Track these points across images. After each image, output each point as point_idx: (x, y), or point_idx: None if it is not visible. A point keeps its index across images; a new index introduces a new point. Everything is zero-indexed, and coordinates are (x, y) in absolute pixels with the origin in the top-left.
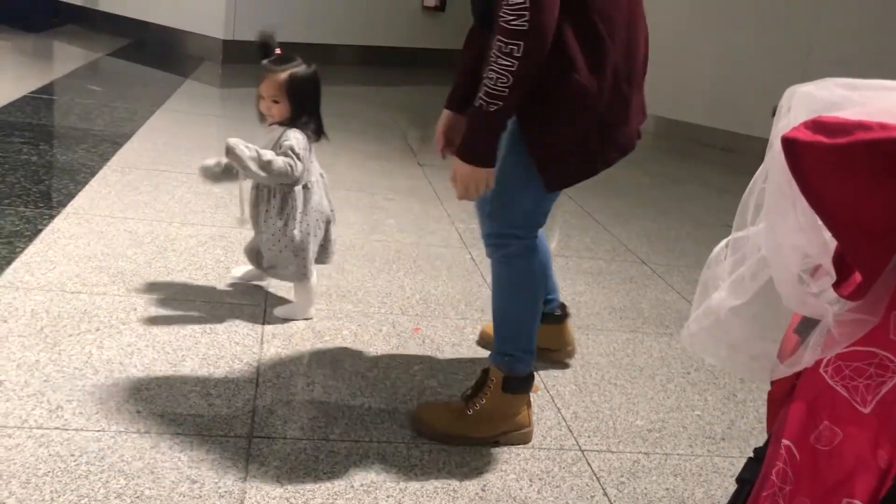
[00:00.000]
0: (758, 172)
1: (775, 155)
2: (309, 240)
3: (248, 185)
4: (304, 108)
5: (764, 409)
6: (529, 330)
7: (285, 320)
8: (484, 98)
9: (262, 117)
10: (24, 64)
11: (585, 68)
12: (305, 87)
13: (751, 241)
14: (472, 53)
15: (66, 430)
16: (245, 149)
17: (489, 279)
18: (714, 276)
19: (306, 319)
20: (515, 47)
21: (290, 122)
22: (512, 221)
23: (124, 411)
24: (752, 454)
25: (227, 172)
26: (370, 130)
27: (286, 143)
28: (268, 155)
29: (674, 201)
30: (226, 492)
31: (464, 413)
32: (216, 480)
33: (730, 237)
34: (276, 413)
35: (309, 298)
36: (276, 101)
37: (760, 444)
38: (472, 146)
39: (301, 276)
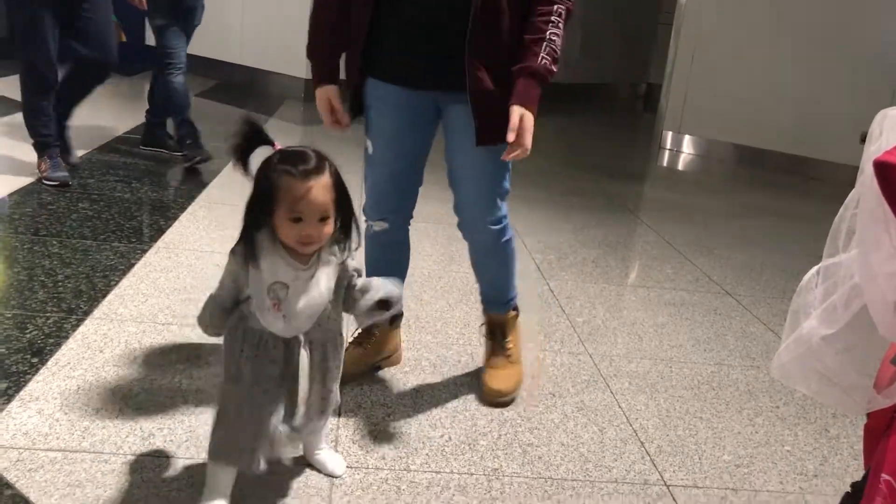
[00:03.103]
0: (849, 198)
1: (867, 180)
2: None
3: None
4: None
5: (859, 446)
6: None
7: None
8: (548, 58)
9: (298, 252)
10: (120, 106)
11: None
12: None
13: (843, 268)
14: (330, 10)
15: (159, 457)
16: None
17: (567, 309)
18: (805, 304)
19: None
20: (567, 10)
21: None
22: (500, 201)
23: None
24: (848, 489)
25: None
26: (436, 160)
27: (353, 266)
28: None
29: (758, 231)
30: None
31: (516, 363)
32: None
33: (821, 264)
34: (357, 443)
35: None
36: (324, 219)
37: (857, 479)
38: (538, 101)
39: None
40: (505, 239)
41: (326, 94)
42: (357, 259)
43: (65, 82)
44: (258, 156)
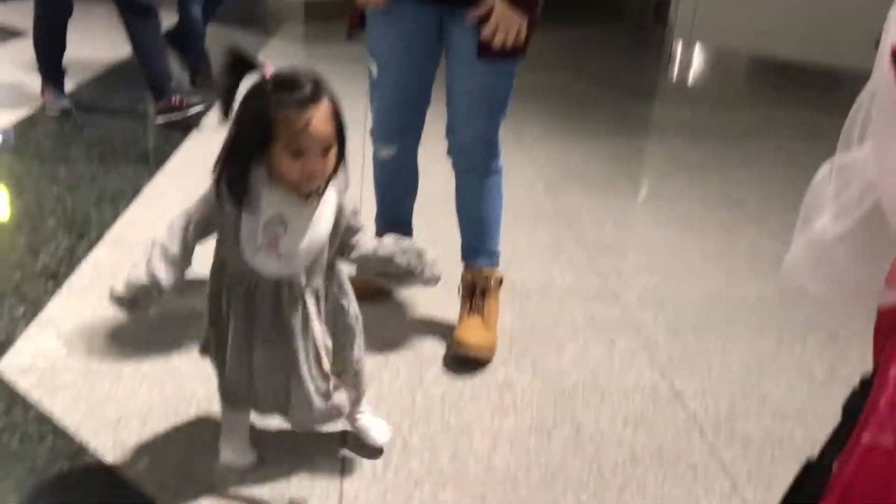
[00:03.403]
0: (863, 92)
1: (883, 72)
2: None
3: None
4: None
5: (868, 351)
6: None
7: None
8: None
9: (299, 189)
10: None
11: None
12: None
13: (857, 164)
14: None
15: (177, 376)
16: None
17: (576, 226)
18: (817, 202)
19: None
20: None
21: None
22: (499, 127)
23: None
24: (856, 387)
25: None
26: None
27: (351, 209)
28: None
29: (769, 144)
30: (328, 432)
31: (491, 331)
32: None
33: (834, 160)
34: (372, 359)
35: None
36: (327, 151)
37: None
38: (530, 7)
39: None
40: (495, 168)
41: None
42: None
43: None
44: (246, 83)
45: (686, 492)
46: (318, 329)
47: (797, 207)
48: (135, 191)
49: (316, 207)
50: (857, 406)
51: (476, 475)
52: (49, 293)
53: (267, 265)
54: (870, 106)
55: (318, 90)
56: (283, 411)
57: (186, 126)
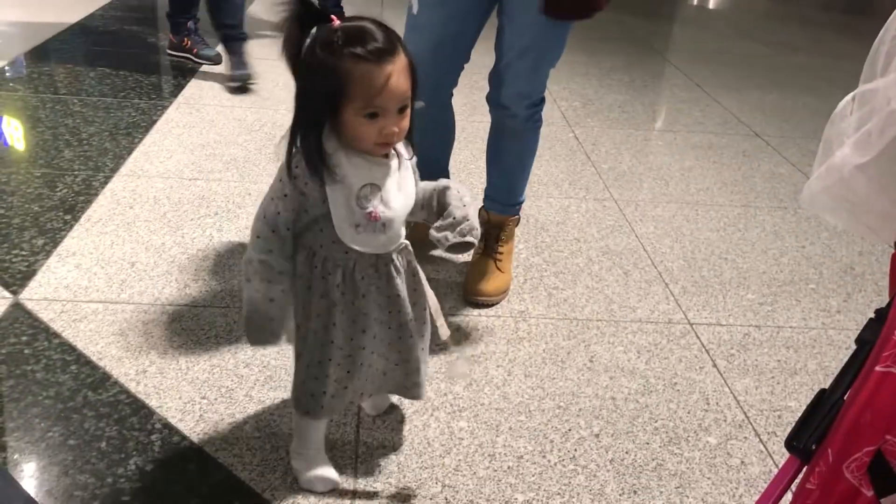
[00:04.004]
0: (889, 21)
1: None
2: None
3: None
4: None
5: (884, 282)
6: None
7: None
8: None
9: (374, 152)
10: None
11: None
12: None
13: (880, 94)
14: None
15: (195, 306)
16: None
17: (593, 156)
18: (838, 133)
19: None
20: None
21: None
22: (545, 83)
23: None
24: (872, 316)
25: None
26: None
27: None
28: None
29: (790, 70)
30: None
31: (505, 272)
32: None
33: (857, 90)
34: None
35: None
36: (403, 109)
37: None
38: None
39: None
40: (536, 124)
41: None
42: None
43: None
44: (312, 36)
45: (698, 421)
46: (430, 292)
47: (818, 136)
48: (149, 122)
49: (398, 163)
50: (870, 337)
51: (490, 404)
52: (68, 225)
53: (370, 241)
54: (894, 36)
55: (393, 41)
56: (401, 388)
57: (190, 68)
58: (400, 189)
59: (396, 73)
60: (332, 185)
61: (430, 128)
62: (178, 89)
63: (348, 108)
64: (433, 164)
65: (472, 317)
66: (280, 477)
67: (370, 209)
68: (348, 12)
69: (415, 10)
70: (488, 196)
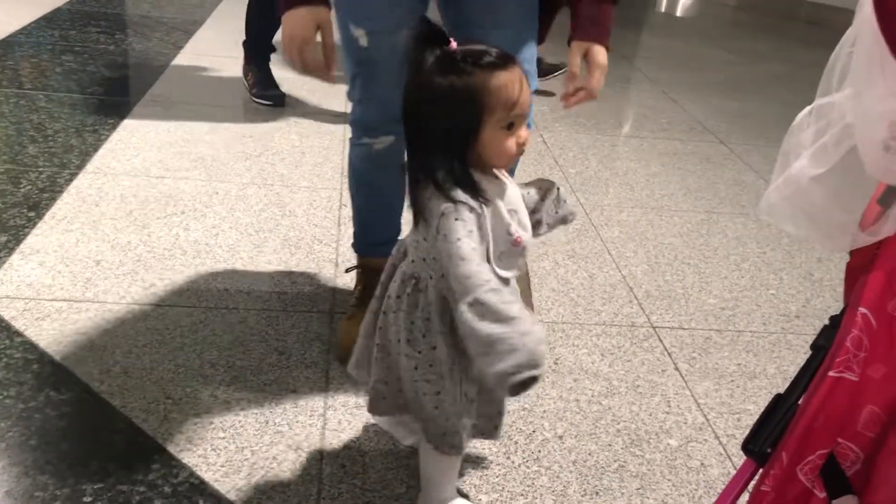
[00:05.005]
0: (846, 36)
1: (865, 16)
2: None
3: None
4: None
5: (841, 288)
6: None
7: None
8: None
9: (505, 166)
10: None
11: None
12: None
13: (836, 108)
14: None
15: (161, 305)
16: None
17: (560, 160)
18: (796, 144)
19: None
20: None
21: None
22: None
23: (213, 289)
24: (827, 322)
25: None
26: None
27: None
28: None
29: (755, 78)
30: (311, 362)
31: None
32: (302, 352)
33: (814, 103)
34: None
35: None
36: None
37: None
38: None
39: None
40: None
41: (311, 18)
42: None
43: None
44: (430, 59)
45: (660, 424)
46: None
47: (780, 143)
48: (117, 119)
49: (507, 181)
50: (825, 343)
51: None
52: (31, 222)
53: (510, 265)
54: (851, 50)
55: (506, 54)
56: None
57: (159, 65)
58: (524, 210)
59: (524, 81)
60: (487, 206)
61: (395, 166)
62: (146, 86)
63: (488, 124)
64: (389, 216)
65: None
66: (244, 478)
67: (515, 234)
68: None
69: (363, 42)
70: None
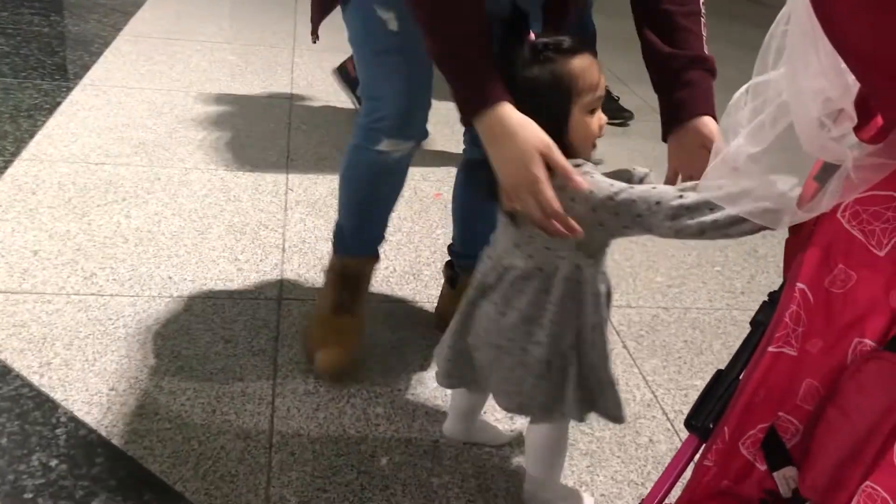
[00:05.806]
0: (780, 14)
1: None
2: None
3: None
4: None
5: None
6: None
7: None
8: (707, 45)
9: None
10: None
11: None
12: None
13: (772, 86)
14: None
15: (102, 295)
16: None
17: None
18: (734, 123)
19: None
20: None
21: None
22: None
23: (156, 277)
24: (766, 299)
25: None
26: None
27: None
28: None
29: None
30: (259, 350)
31: None
32: (249, 340)
33: (750, 82)
34: (303, 276)
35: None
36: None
37: None
38: None
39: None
40: None
41: (539, 141)
42: None
43: None
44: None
45: None
46: None
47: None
48: (53, 104)
49: (594, 172)
50: (764, 319)
51: (407, 389)
52: None
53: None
54: (785, 28)
55: (581, 38)
56: None
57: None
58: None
59: (596, 62)
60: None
61: (396, 178)
62: (83, 70)
63: (576, 108)
64: (380, 221)
65: (392, 303)
66: (191, 468)
67: None
68: None
69: (393, 26)
70: (459, 248)
